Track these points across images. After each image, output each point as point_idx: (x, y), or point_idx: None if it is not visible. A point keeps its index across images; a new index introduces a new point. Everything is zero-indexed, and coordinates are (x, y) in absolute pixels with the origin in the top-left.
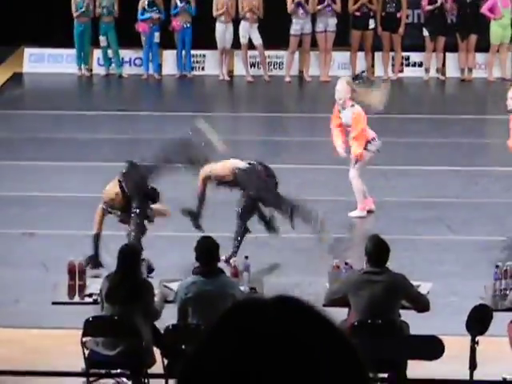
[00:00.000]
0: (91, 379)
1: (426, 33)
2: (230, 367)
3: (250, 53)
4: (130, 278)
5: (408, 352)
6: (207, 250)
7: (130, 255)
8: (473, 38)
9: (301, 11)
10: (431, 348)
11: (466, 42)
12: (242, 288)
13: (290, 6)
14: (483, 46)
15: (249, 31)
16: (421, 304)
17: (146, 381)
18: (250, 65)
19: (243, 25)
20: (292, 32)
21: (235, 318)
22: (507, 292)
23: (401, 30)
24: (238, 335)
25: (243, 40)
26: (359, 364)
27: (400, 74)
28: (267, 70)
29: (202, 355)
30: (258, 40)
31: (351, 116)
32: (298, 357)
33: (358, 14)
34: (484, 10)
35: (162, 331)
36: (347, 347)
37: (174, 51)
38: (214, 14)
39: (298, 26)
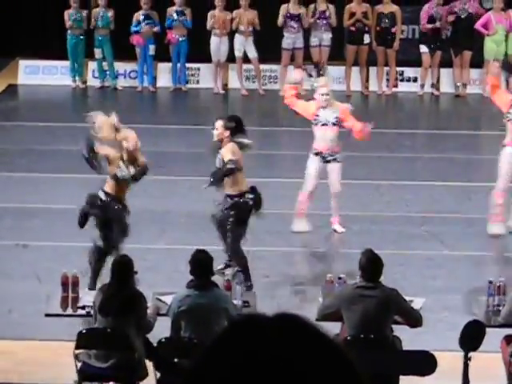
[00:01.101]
0: None
1: (422, 49)
2: None
3: (245, 66)
4: (124, 290)
5: (400, 367)
6: (201, 264)
7: (124, 267)
8: (467, 53)
9: (292, 25)
10: (424, 363)
11: (460, 58)
12: (234, 301)
13: (280, 20)
14: (478, 61)
15: (244, 45)
16: (413, 319)
17: None
18: (245, 78)
19: (238, 38)
20: (284, 46)
21: (236, 337)
22: (500, 308)
23: (395, 45)
24: (238, 356)
25: (238, 53)
26: (358, 379)
27: (394, 89)
28: (262, 83)
29: (201, 373)
30: (253, 53)
31: (336, 114)
32: (298, 376)
33: (352, 28)
34: (478, 25)
35: (155, 344)
36: (348, 366)
37: (169, 64)
38: (208, 26)
39: (290, 40)
